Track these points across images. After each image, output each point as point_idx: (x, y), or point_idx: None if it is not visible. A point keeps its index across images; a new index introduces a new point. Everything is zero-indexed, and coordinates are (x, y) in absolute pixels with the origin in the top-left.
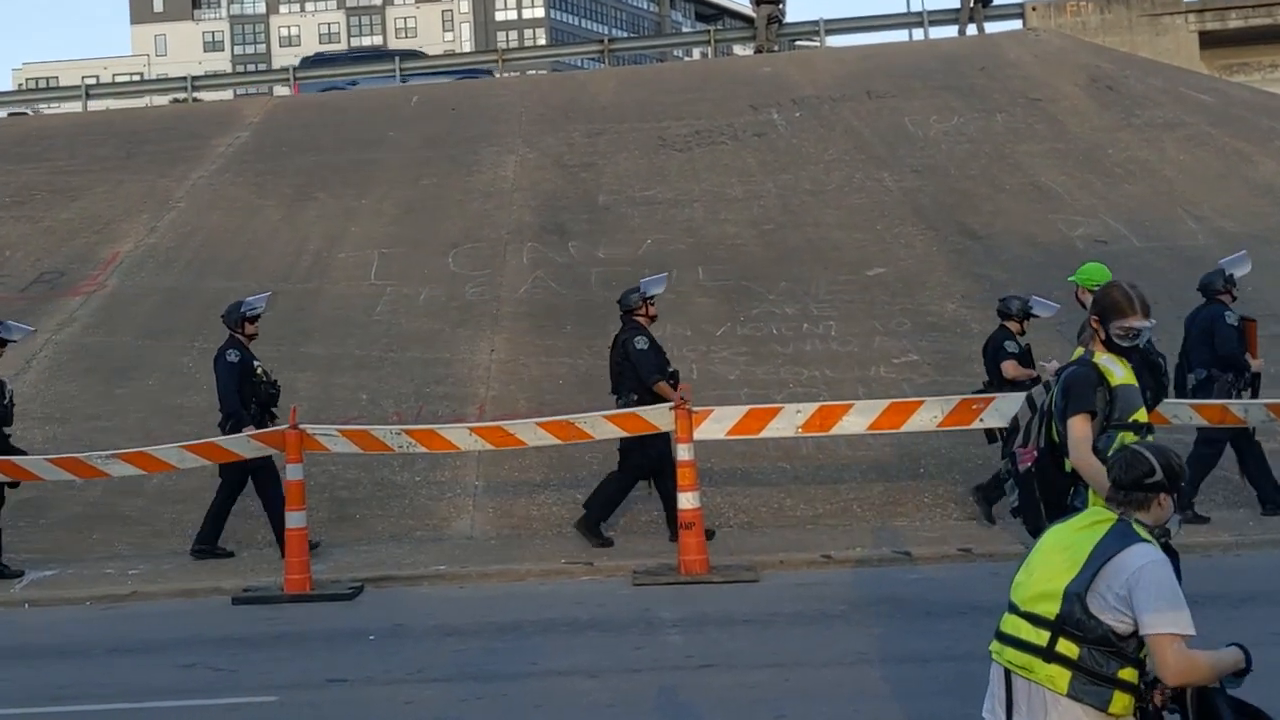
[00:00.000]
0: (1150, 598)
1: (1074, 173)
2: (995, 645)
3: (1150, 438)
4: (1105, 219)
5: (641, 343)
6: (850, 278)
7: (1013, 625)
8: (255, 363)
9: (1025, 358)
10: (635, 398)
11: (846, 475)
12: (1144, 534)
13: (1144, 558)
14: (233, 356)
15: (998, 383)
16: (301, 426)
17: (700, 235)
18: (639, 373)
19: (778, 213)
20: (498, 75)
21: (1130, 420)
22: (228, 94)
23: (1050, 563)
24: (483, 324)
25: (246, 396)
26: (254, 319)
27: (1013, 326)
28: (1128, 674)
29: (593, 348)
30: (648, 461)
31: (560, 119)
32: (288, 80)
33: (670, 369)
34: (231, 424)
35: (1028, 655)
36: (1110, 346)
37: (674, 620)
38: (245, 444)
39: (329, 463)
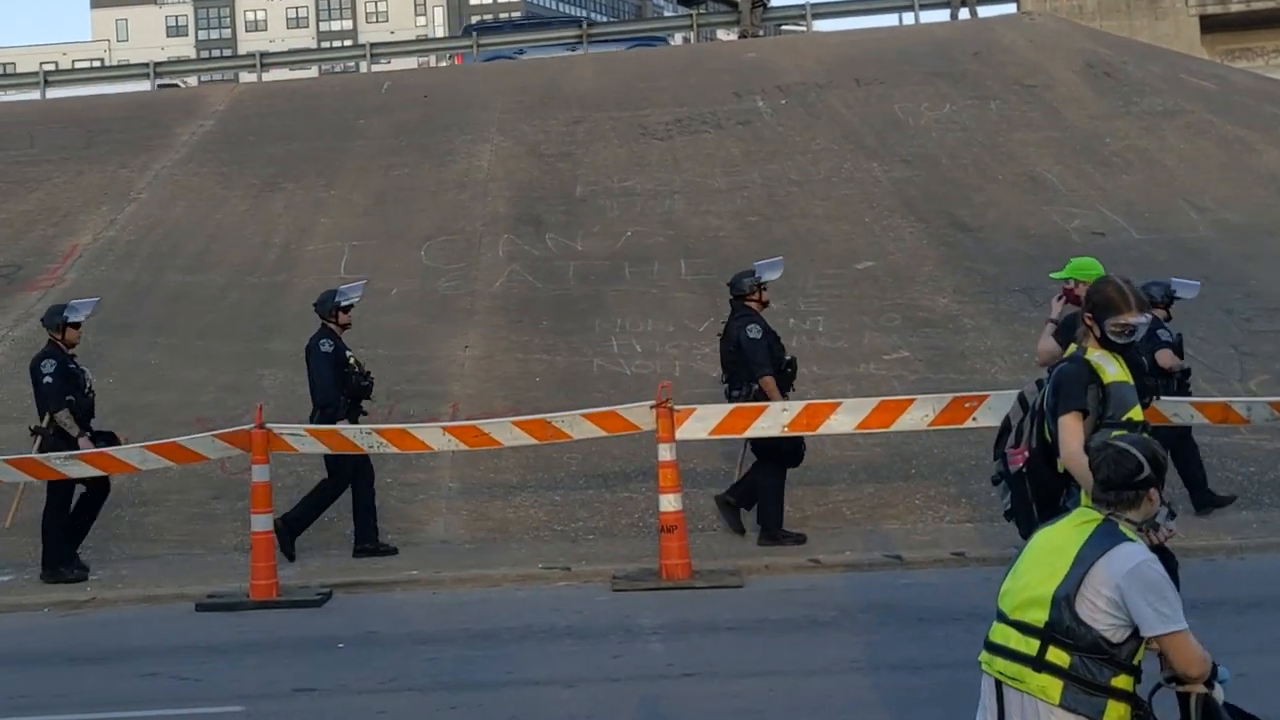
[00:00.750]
0: (1152, 598)
1: (1070, 162)
2: (985, 655)
3: (1146, 435)
4: (1102, 210)
5: (754, 331)
6: (838, 271)
7: (1002, 634)
8: (348, 353)
9: (1179, 347)
10: (756, 387)
11: (835, 476)
12: (1130, 533)
13: (1132, 558)
14: (327, 346)
15: (1154, 373)
16: (268, 426)
17: (682, 227)
18: (749, 363)
19: (762, 204)
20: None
21: (1124, 418)
22: (192, 80)
23: (1037, 568)
24: (457, 319)
25: (338, 388)
26: (348, 308)
27: (1160, 313)
28: (1122, 682)
29: (571, 344)
30: (798, 448)
31: (537, 106)
32: (254, 66)
33: (788, 358)
34: (323, 415)
35: (1018, 665)
36: (1106, 344)
37: (655, 627)
38: (211, 444)
39: (296, 463)
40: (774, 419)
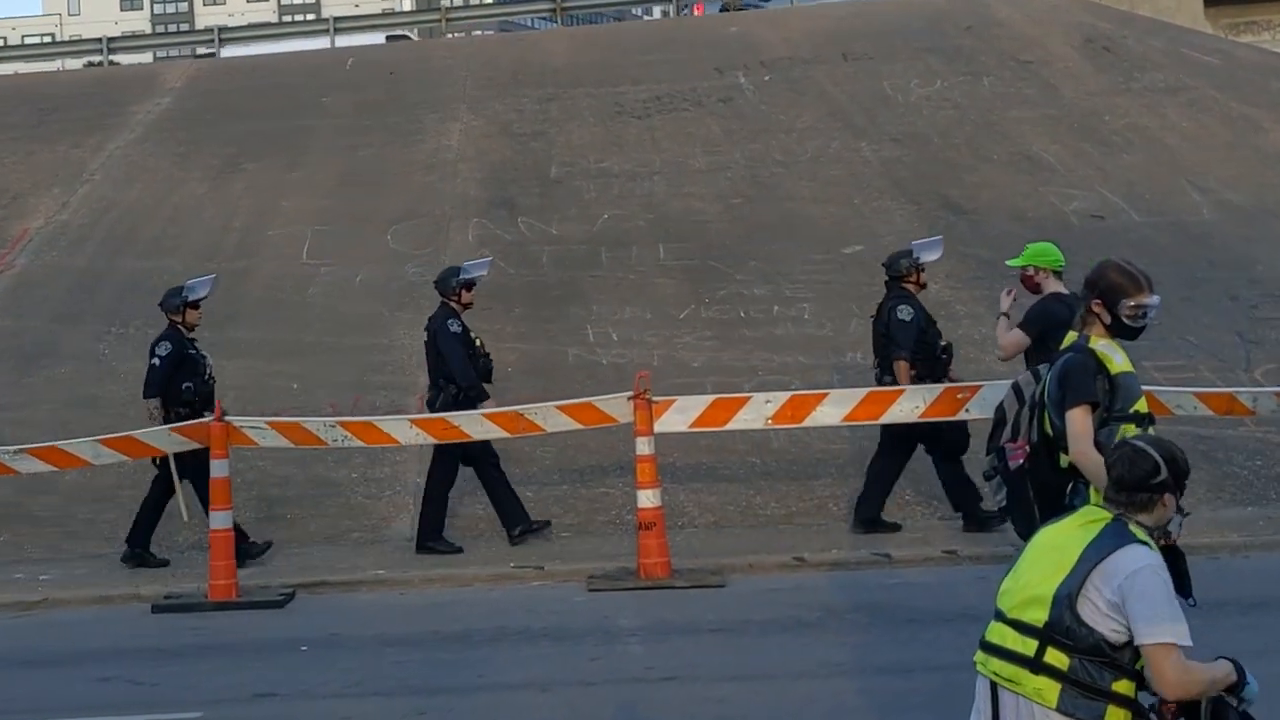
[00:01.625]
0: (1145, 605)
1: (1068, 141)
2: (980, 656)
3: (1153, 428)
4: (1102, 191)
5: (905, 313)
6: (825, 256)
7: (999, 634)
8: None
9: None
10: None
11: (821, 471)
12: (1141, 535)
13: (1138, 561)
14: (455, 326)
15: None
16: (228, 418)
17: (661, 210)
18: (891, 344)
19: (746, 185)
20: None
21: (1131, 411)
22: (147, 57)
23: (1039, 565)
24: (425, 307)
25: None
26: (471, 285)
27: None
28: (1123, 687)
29: (545, 332)
30: (962, 436)
31: (509, 83)
32: (212, 41)
33: (943, 343)
34: (466, 398)
35: (1014, 666)
36: (1118, 330)
37: (633, 629)
38: (166, 438)
39: (257, 458)
40: (757, 411)
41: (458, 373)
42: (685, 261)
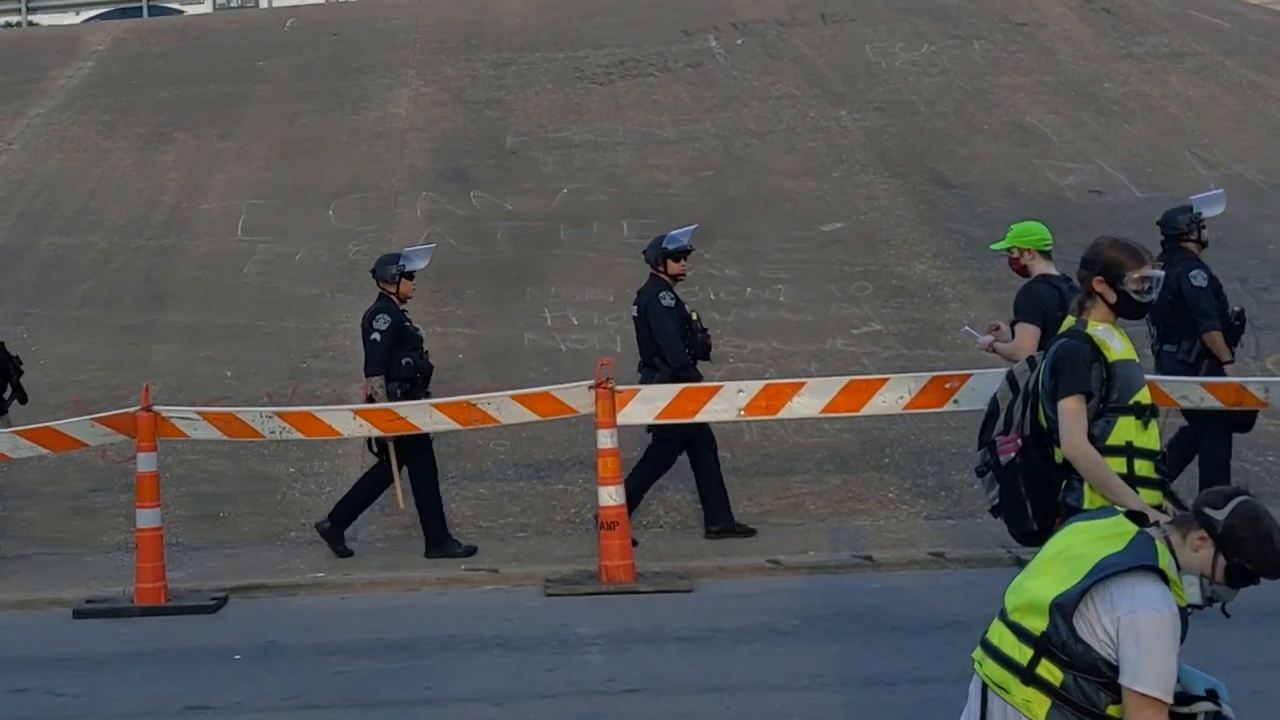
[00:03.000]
0: (1138, 652)
1: (1064, 111)
2: (978, 653)
3: (1155, 421)
4: (1101, 164)
5: (1199, 278)
6: (803, 234)
7: (998, 634)
8: (687, 307)
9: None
10: (1197, 346)
11: (798, 466)
12: (1165, 562)
13: (1147, 601)
14: (668, 299)
15: None
16: (155, 408)
17: (625, 183)
18: (1192, 314)
19: (717, 157)
20: None
21: (1131, 402)
22: (69, 17)
23: (1052, 571)
24: (370, 288)
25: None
26: (680, 255)
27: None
28: (1118, 711)
29: (499, 315)
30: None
31: (461, 46)
32: (139, 2)
33: (1236, 308)
34: (676, 378)
35: (1006, 672)
36: (1125, 308)
37: (594, 637)
38: (90, 430)
39: (188, 451)
40: (728, 401)
41: (669, 352)
42: (650, 239)
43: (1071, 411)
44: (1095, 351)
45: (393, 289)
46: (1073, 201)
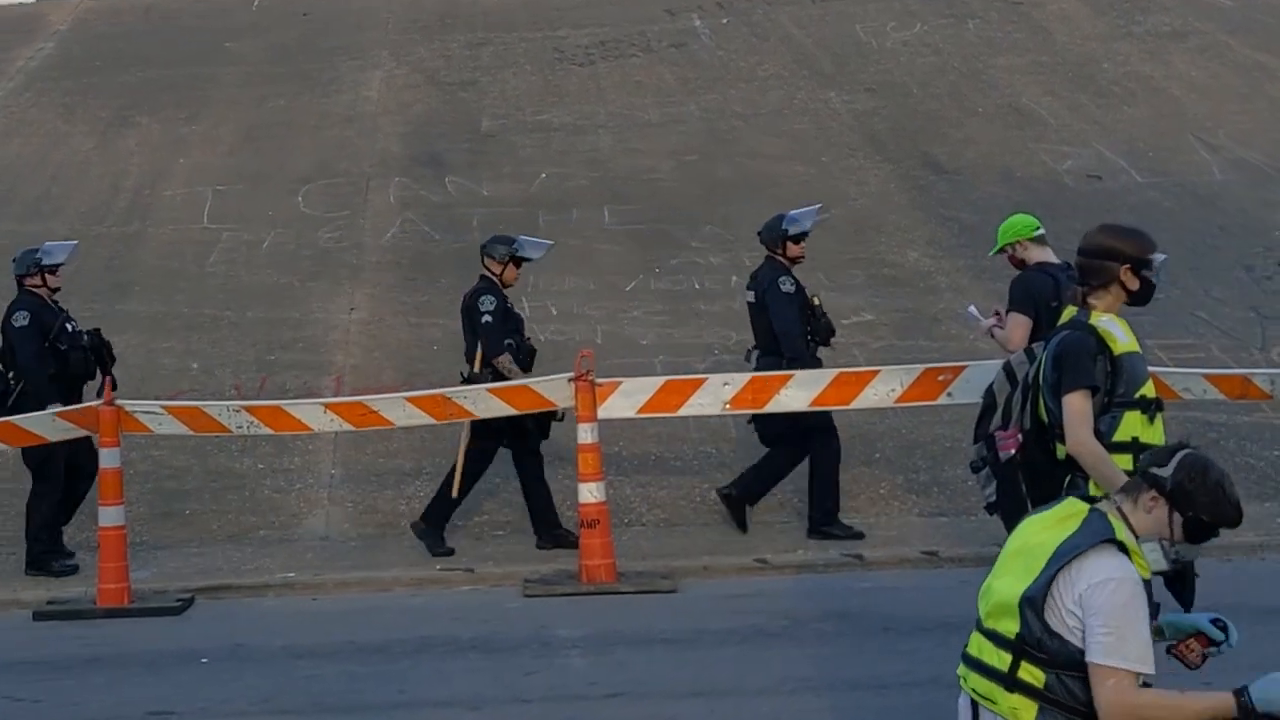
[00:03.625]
0: (1101, 621)
1: (1062, 92)
2: (961, 669)
3: (1160, 415)
4: (1099, 148)
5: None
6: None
7: (977, 645)
8: (809, 291)
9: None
10: None
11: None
12: (1122, 533)
13: (1104, 571)
14: (787, 285)
15: None
16: (118, 402)
17: (607, 168)
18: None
19: (702, 141)
20: None
21: (1137, 396)
22: None
23: (1013, 567)
24: (340, 277)
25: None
26: (799, 238)
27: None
28: None
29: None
30: None
31: (435, 26)
32: None
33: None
34: (790, 366)
35: (990, 682)
36: (1141, 295)
37: (574, 639)
38: (49, 424)
39: (152, 446)
40: (714, 394)
41: (785, 340)
42: (633, 226)
43: (1077, 407)
44: (1100, 344)
45: (498, 271)
46: (1070, 187)
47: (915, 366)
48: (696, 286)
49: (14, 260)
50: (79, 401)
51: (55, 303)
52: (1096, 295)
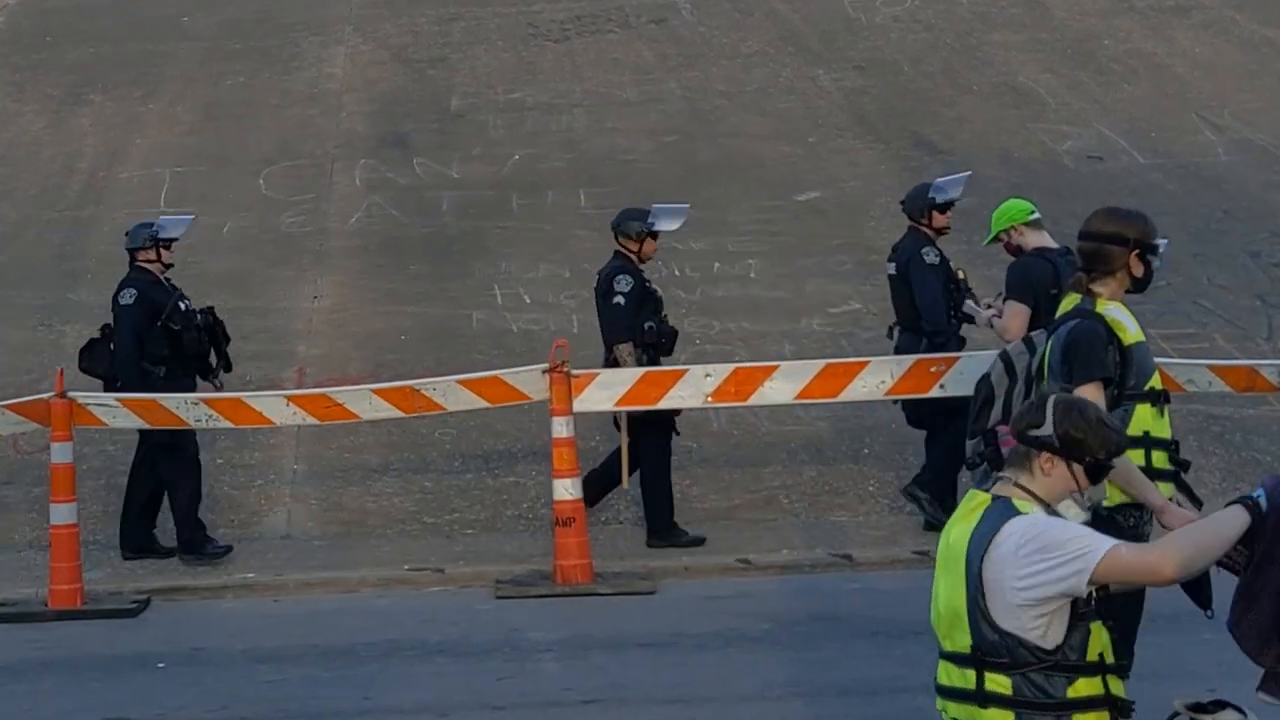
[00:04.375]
0: (1055, 551)
1: (1060, 70)
2: (939, 702)
3: (1167, 408)
4: (1099, 128)
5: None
6: (776, 203)
7: (945, 672)
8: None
9: None
10: None
11: (770, 457)
12: (1026, 508)
13: (1016, 526)
14: (932, 256)
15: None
16: (71, 394)
17: (582, 149)
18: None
19: (683, 120)
20: None
21: (1146, 389)
22: None
23: (944, 577)
24: (304, 263)
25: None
26: (945, 207)
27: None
28: (1083, 688)
29: (446, 292)
30: None
31: (403, 0)
32: None
33: None
34: (931, 344)
35: (966, 705)
36: (1142, 282)
37: (548, 642)
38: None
39: (106, 440)
40: (695, 386)
41: (928, 313)
42: (610, 209)
43: (1092, 400)
44: (1110, 334)
45: (634, 248)
46: (1070, 168)
47: (906, 358)
48: (676, 273)
49: (127, 234)
50: (193, 384)
51: (168, 280)
52: (1101, 282)
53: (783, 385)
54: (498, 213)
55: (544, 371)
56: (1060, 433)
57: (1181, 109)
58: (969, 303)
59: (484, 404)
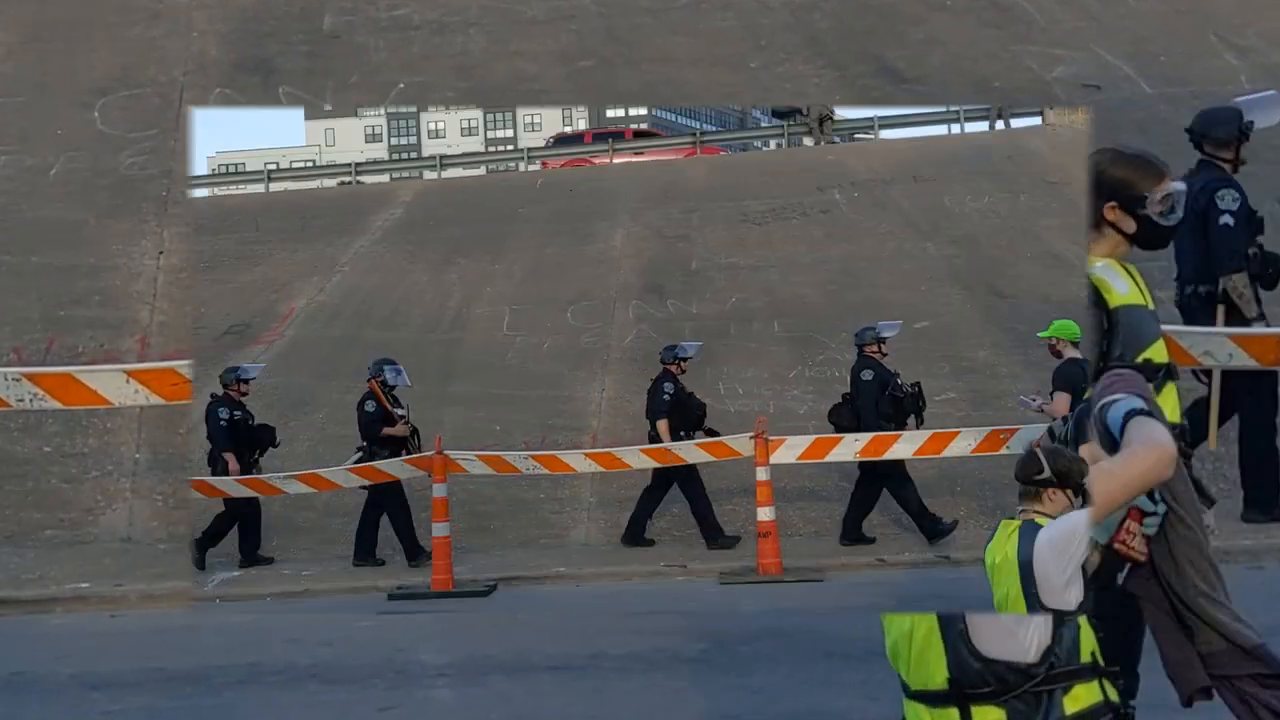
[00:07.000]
0: (1060, 551)
1: None
2: None
3: (1173, 385)
4: (1098, 51)
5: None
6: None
7: (912, 712)
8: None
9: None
10: None
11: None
12: (1044, 522)
13: (1044, 536)
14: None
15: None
16: (446, 452)
17: (775, 294)
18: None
19: (840, 276)
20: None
21: (1141, 360)
22: (385, 178)
23: (999, 587)
24: (595, 368)
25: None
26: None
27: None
28: (1082, 696)
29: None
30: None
31: (660, 199)
32: (435, 166)
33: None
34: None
35: None
36: (1147, 237)
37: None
38: (399, 467)
39: (468, 482)
40: (848, 447)
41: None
42: (793, 334)
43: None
44: (1094, 294)
45: (1229, 158)
46: (1062, 99)
47: (984, 428)
48: (835, 375)
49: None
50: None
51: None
52: (1092, 239)
53: (905, 446)
54: (721, 335)
55: (751, 437)
56: (1054, 470)
57: (1197, 29)
58: (1021, 398)
59: (711, 458)
